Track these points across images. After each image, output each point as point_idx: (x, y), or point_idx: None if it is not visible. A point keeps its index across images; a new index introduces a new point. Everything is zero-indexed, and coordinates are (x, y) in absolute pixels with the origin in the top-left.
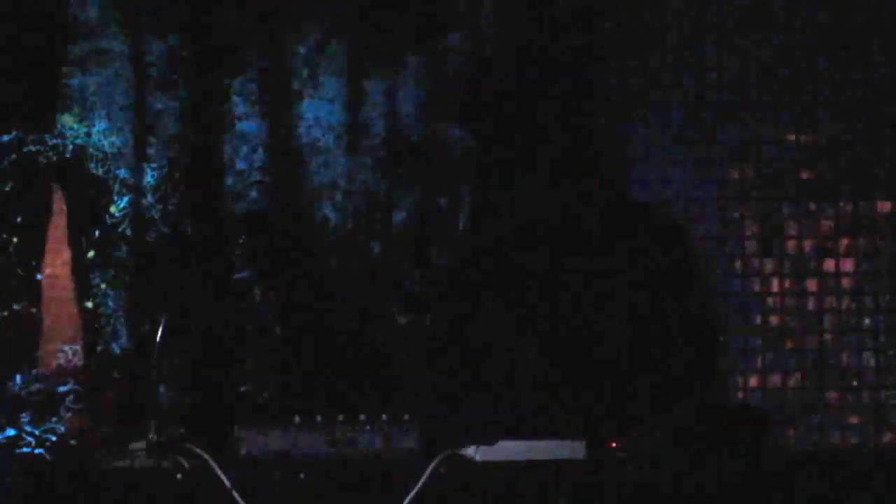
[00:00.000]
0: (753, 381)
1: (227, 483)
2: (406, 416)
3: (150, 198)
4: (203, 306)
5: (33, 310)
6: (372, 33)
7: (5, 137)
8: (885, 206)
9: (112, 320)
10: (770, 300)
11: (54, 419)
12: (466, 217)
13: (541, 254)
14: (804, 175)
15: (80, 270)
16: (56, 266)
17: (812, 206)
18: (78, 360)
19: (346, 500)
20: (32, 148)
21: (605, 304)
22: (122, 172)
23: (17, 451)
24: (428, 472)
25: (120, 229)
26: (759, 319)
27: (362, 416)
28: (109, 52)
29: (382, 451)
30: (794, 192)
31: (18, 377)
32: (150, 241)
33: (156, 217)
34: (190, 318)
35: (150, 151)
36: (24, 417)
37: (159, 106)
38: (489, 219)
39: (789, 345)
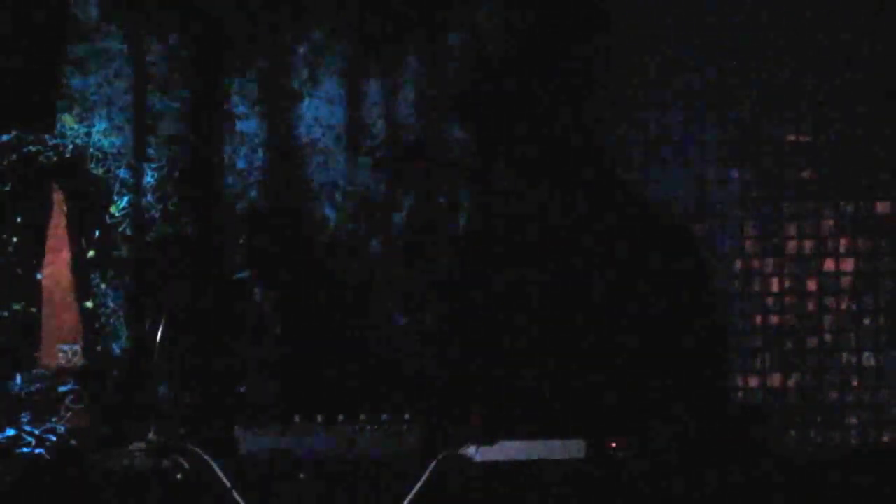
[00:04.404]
0: (753, 381)
1: (227, 483)
2: (406, 416)
3: (150, 198)
4: (203, 306)
5: (33, 310)
6: (372, 33)
7: (5, 137)
8: (885, 206)
9: (112, 320)
10: (770, 300)
11: (54, 419)
12: (466, 217)
13: (541, 254)
14: (804, 175)
15: (80, 270)
16: (56, 266)
17: (812, 206)
18: (78, 360)
19: (346, 500)
20: (32, 148)
21: (607, 303)
22: (122, 172)
23: (17, 451)
24: (428, 472)
25: (120, 229)
26: (759, 319)
27: (362, 416)
28: (109, 52)
29: (382, 451)
30: (794, 192)
31: (18, 377)
32: (150, 241)
33: (156, 217)
34: (190, 318)
35: (150, 151)
36: (24, 417)
37: (159, 106)
38: (489, 219)
39: (789, 345)
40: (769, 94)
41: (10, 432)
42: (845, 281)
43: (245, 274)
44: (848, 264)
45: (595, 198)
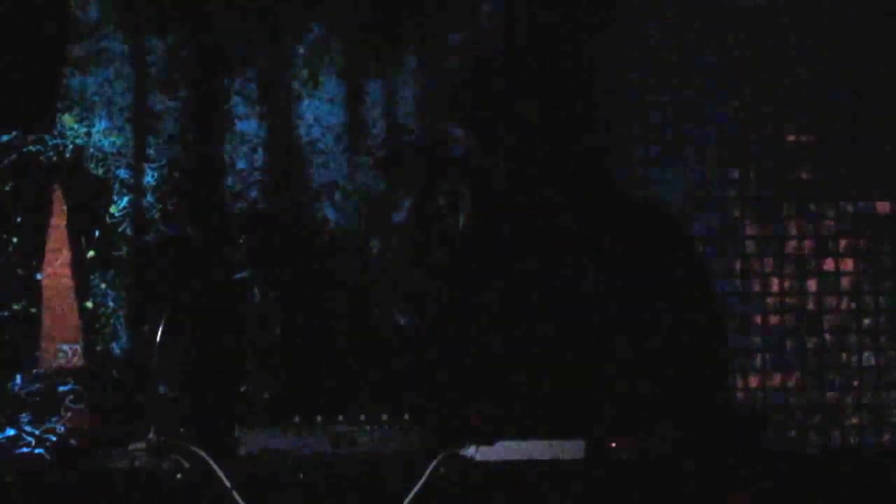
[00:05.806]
0: (753, 381)
1: (227, 483)
2: (406, 416)
3: (150, 198)
4: (203, 306)
5: (33, 310)
6: (372, 33)
7: (5, 137)
8: (885, 206)
9: (112, 320)
10: (770, 300)
11: (54, 419)
12: (466, 217)
13: (541, 254)
14: (804, 175)
15: (80, 270)
16: (56, 266)
17: (812, 206)
18: (78, 360)
19: (346, 500)
20: (32, 148)
21: (607, 304)
22: (122, 172)
23: (17, 451)
24: (428, 472)
25: (120, 229)
26: (759, 319)
27: (362, 416)
28: (109, 52)
29: (382, 451)
30: (794, 192)
31: (18, 377)
32: (150, 241)
33: (156, 217)
34: (190, 317)
35: (150, 151)
36: (24, 417)
37: (159, 106)
38: (489, 218)
39: (789, 345)
40: (769, 94)
41: (10, 432)
42: (845, 281)
43: (245, 274)
44: (848, 264)
45: (595, 197)
